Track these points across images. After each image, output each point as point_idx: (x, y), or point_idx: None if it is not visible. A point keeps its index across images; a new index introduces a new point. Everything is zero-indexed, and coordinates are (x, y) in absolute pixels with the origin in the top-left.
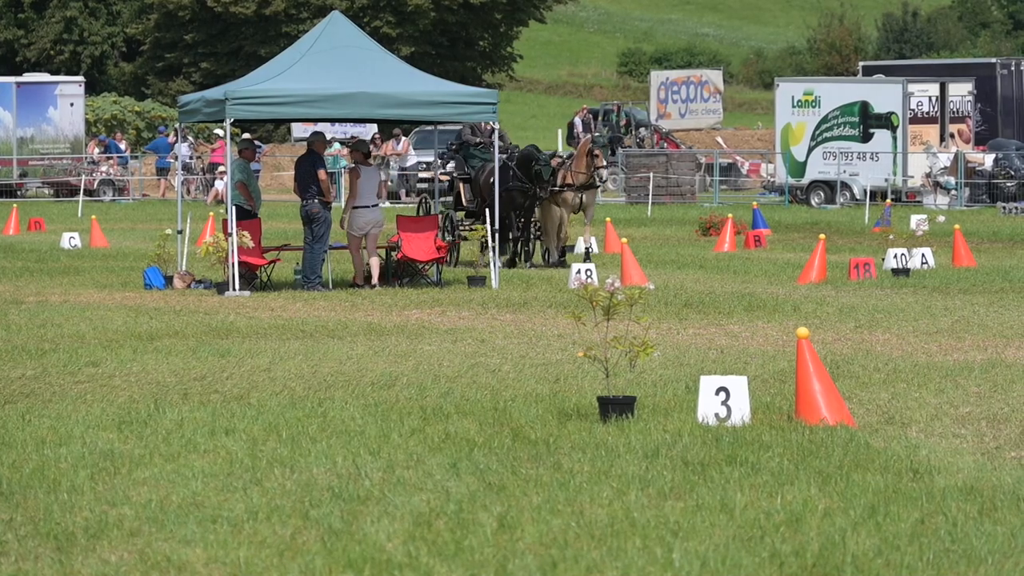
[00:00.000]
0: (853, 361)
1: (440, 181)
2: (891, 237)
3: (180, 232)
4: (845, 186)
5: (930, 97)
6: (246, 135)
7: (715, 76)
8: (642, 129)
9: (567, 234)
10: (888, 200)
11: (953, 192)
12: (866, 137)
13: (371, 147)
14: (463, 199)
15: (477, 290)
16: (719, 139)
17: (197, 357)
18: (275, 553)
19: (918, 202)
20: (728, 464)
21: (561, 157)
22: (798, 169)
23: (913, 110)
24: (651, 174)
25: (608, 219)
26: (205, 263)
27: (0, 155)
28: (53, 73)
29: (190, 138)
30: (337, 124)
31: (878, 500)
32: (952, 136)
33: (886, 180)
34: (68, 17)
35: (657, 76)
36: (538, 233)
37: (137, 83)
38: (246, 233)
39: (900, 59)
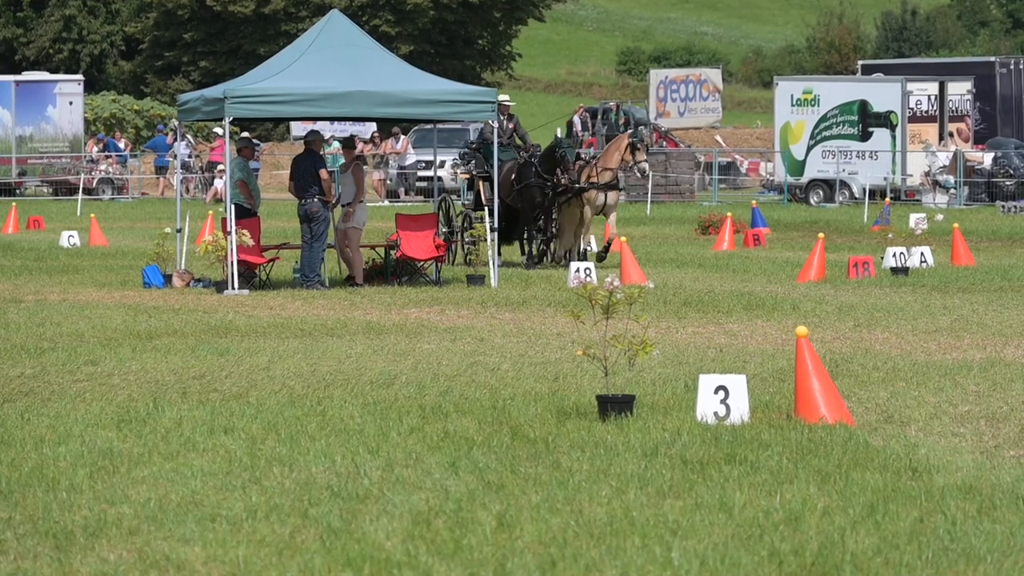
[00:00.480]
0: (852, 360)
1: (462, 179)
2: (890, 236)
3: (179, 231)
4: (844, 185)
5: (929, 96)
6: (244, 134)
7: (714, 75)
8: (641, 128)
9: (588, 236)
10: (887, 199)
11: (952, 191)
12: (865, 136)
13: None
14: (483, 197)
15: (476, 289)
16: (718, 138)
17: (196, 356)
18: (274, 552)
19: (917, 201)
20: (727, 463)
21: (583, 160)
22: (797, 168)
23: (912, 109)
24: (650, 173)
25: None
26: (204, 262)
27: None
28: (52, 72)
29: (188, 137)
30: (336, 123)
31: (877, 499)
32: (951, 135)
33: (885, 179)
34: (67, 16)
35: (656, 75)
36: (554, 232)
37: (136, 82)
38: (245, 232)
39: (899, 58)
